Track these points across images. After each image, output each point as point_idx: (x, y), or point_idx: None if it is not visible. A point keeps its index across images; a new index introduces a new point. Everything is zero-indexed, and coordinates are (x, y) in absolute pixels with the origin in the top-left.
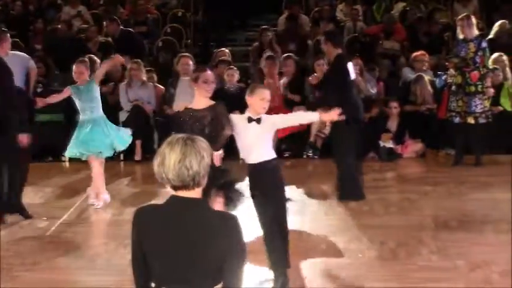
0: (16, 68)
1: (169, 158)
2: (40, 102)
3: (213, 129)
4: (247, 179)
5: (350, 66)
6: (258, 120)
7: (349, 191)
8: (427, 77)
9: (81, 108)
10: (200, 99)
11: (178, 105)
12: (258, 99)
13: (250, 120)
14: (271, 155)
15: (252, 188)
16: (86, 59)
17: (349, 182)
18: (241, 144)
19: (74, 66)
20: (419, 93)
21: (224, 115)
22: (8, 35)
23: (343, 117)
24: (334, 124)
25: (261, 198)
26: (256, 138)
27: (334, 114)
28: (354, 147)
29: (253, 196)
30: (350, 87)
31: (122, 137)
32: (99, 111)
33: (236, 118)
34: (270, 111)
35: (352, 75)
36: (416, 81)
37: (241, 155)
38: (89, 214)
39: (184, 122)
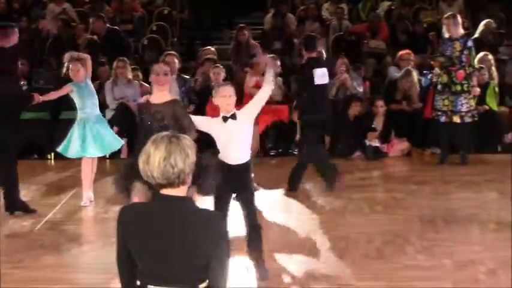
0: None
1: (154, 156)
2: (37, 98)
3: (174, 128)
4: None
5: (318, 71)
6: (233, 116)
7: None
8: (414, 73)
9: (82, 106)
10: (157, 93)
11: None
12: (220, 97)
13: (225, 119)
14: (249, 155)
15: (234, 186)
16: (82, 57)
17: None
18: (222, 145)
19: (69, 65)
20: (407, 88)
21: (184, 115)
22: (16, 29)
23: None
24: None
25: (249, 195)
26: (237, 134)
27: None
28: (314, 145)
29: (237, 194)
30: (313, 90)
31: (116, 136)
32: (98, 109)
33: (210, 121)
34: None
35: (320, 79)
36: (404, 76)
37: (221, 156)
38: (75, 212)
39: (144, 119)
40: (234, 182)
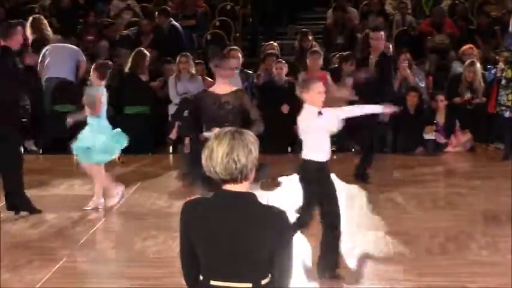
0: (66, 60)
1: (217, 152)
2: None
3: (235, 118)
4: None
5: None
6: (320, 113)
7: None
8: (478, 65)
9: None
10: (220, 85)
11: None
12: (316, 93)
13: (320, 113)
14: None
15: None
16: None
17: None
18: (314, 140)
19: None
20: (471, 79)
21: (252, 107)
22: (19, 27)
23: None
24: None
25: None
26: (317, 131)
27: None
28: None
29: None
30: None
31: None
32: None
33: (303, 114)
34: None
35: None
36: (468, 67)
37: (309, 155)
38: (139, 206)
39: (208, 106)
40: (325, 181)
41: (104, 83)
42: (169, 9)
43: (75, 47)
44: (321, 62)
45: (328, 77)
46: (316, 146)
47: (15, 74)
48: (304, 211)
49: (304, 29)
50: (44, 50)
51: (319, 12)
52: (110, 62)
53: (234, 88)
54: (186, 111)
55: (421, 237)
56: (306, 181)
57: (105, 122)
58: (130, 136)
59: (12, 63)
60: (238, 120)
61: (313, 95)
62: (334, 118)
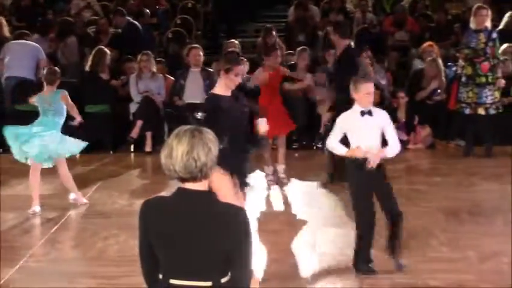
0: (25, 58)
1: (177, 150)
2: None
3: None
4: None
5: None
6: (370, 113)
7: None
8: (440, 60)
9: None
10: (226, 90)
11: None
12: (363, 94)
13: (363, 113)
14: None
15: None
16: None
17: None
18: (356, 139)
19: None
20: (433, 75)
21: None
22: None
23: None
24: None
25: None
26: (370, 130)
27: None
28: None
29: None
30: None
31: None
32: None
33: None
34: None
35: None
36: (430, 64)
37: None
38: (100, 205)
39: (230, 109)
40: (373, 177)
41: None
42: (122, 9)
43: (35, 44)
44: (279, 58)
45: (285, 70)
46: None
47: None
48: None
49: (268, 25)
50: (4, 48)
51: (280, 10)
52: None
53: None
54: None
55: (382, 235)
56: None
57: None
58: (91, 135)
59: None
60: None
61: (361, 96)
62: (385, 118)
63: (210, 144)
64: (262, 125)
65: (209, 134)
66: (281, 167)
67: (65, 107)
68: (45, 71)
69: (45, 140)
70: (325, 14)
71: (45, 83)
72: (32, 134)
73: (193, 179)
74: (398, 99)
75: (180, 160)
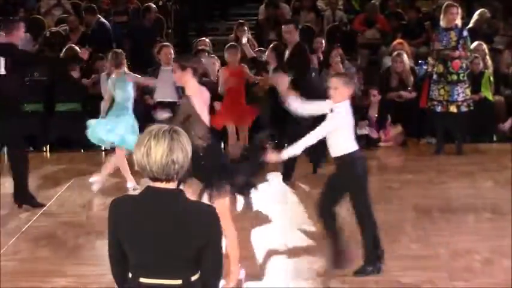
0: None
1: (156, 151)
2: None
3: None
4: None
5: None
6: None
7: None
8: (406, 56)
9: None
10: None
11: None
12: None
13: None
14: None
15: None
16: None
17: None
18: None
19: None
20: (400, 71)
21: None
22: (22, 23)
23: None
24: None
25: None
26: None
27: None
28: None
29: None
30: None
31: None
32: None
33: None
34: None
35: None
36: (395, 59)
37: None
38: (70, 204)
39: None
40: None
41: None
42: (93, 7)
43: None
44: (239, 55)
45: (246, 71)
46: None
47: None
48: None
49: (241, 21)
50: None
51: (251, 8)
52: None
53: None
54: None
55: (352, 231)
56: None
57: None
58: (62, 133)
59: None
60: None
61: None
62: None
63: (187, 146)
64: None
65: (185, 136)
66: None
67: (131, 90)
68: (110, 55)
69: (121, 126)
70: (296, 12)
71: (112, 68)
72: (110, 123)
73: (168, 180)
74: (370, 97)
75: (158, 161)
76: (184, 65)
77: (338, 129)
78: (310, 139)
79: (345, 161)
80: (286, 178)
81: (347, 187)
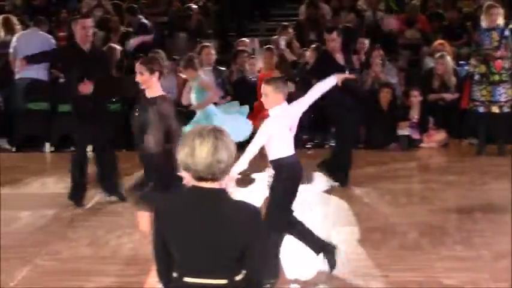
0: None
1: (201, 151)
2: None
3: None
4: None
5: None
6: None
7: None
8: (449, 57)
9: None
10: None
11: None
12: None
13: None
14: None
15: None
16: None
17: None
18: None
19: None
20: (442, 72)
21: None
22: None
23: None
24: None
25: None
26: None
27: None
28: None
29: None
30: None
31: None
32: None
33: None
34: None
35: None
36: (438, 60)
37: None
38: (113, 203)
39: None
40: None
41: None
42: (135, 7)
43: (46, 34)
44: (274, 58)
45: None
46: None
47: None
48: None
49: (284, 23)
50: (13, 42)
51: (291, 9)
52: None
53: None
54: None
55: (395, 233)
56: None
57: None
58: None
59: None
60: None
61: None
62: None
63: (231, 146)
64: None
65: (229, 136)
66: None
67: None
68: (183, 59)
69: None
70: (336, 12)
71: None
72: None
73: (213, 179)
74: (412, 98)
75: (203, 160)
76: (153, 68)
77: (272, 134)
78: (252, 150)
79: (274, 165)
80: (342, 183)
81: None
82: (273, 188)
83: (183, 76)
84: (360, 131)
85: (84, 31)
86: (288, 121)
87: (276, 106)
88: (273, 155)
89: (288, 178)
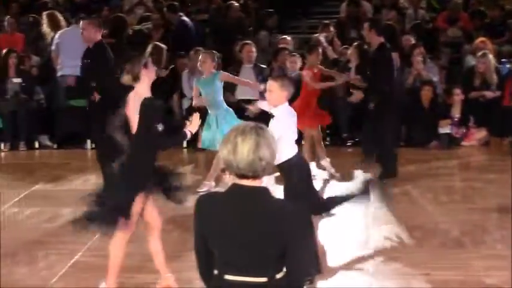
0: (80, 52)
1: (242, 148)
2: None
3: None
4: None
5: (394, 54)
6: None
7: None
8: (490, 55)
9: (206, 100)
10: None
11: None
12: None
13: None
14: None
15: None
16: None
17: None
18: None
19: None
20: (484, 70)
21: None
22: (96, 21)
23: None
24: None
25: None
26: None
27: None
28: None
29: None
30: (393, 75)
31: None
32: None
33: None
34: None
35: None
36: (479, 59)
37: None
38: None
39: None
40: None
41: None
42: (176, 5)
43: None
44: (319, 57)
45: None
46: None
47: None
48: None
49: (325, 21)
50: (56, 39)
51: (332, 6)
52: None
53: None
54: None
55: (436, 231)
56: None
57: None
58: None
59: None
60: None
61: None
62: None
63: (273, 143)
64: None
65: (269, 132)
66: (326, 161)
67: (221, 88)
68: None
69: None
70: (377, 10)
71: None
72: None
73: (254, 176)
74: (453, 96)
75: (245, 158)
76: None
77: (280, 135)
78: None
79: (282, 167)
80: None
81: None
82: (287, 192)
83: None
84: (401, 129)
85: None
86: (293, 121)
87: (279, 105)
88: (280, 157)
89: (299, 180)
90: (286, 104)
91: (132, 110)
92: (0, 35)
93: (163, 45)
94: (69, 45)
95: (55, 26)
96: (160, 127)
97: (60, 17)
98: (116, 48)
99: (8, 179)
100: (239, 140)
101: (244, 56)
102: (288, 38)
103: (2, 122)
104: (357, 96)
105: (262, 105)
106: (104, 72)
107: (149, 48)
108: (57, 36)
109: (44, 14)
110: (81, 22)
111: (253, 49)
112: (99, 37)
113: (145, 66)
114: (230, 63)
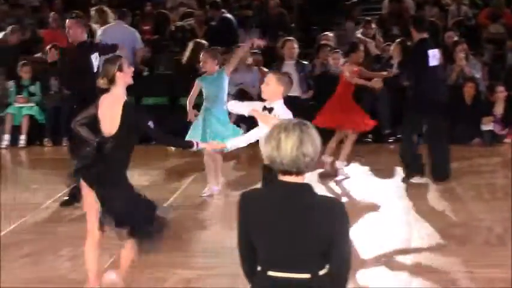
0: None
1: (286, 144)
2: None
3: None
4: None
5: (430, 52)
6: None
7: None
8: None
9: (205, 98)
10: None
11: None
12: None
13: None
14: None
15: None
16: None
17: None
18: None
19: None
20: None
21: None
22: (82, 21)
23: None
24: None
25: None
26: None
27: None
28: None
29: None
30: (427, 72)
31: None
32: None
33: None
34: None
35: (432, 61)
36: None
37: None
38: (195, 197)
39: None
40: None
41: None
42: (218, 1)
43: (131, 28)
44: (361, 54)
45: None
46: None
47: None
48: None
49: (367, 18)
50: (99, 35)
51: (374, 3)
52: None
53: None
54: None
55: (479, 228)
56: None
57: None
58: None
59: None
60: None
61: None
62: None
63: (316, 139)
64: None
65: (313, 129)
66: (341, 163)
67: (226, 86)
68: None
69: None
70: (419, 6)
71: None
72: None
73: (298, 173)
74: (496, 93)
75: (289, 154)
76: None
77: None
78: (256, 133)
79: None
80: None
81: None
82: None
83: (265, 69)
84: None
85: None
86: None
87: (275, 100)
88: None
89: None
90: (282, 100)
91: (106, 112)
92: (45, 31)
93: (204, 42)
94: (112, 41)
95: (103, 21)
96: (151, 124)
97: (109, 12)
98: (158, 44)
99: (51, 174)
100: (282, 136)
101: (286, 52)
102: (330, 34)
103: (45, 118)
104: (376, 83)
105: (235, 106)
106: (82, 71)
107: (190, 45)
108: (99, 32)
109: (93, 10)
110: (67, 21)
111: (295, 45)
112: (84, 37)
113: (120, 69)
114: (274, 59)
